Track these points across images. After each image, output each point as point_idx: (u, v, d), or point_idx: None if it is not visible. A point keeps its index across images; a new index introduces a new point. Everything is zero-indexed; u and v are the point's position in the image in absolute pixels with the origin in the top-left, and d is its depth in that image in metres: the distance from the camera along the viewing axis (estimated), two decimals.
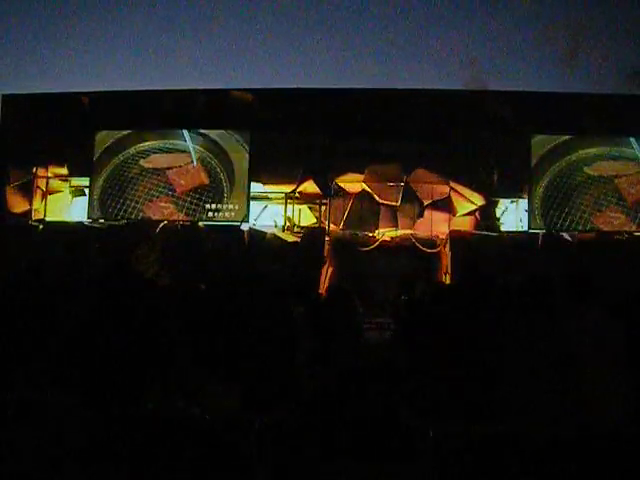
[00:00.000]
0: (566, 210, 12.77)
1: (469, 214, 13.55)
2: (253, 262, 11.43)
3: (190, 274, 10.10)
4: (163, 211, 13.42)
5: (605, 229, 12.58)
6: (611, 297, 3.37)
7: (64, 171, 14.23)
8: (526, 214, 13.07)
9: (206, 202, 13.48)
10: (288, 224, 13.55)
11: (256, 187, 13.62)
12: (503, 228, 13.38)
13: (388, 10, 39.38)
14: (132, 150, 13.84)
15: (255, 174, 13.47)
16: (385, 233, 13.36)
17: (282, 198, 13.65)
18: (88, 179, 13.88)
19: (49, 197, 14.22)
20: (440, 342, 3.24)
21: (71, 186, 14.40)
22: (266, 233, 13.07)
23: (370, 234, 13.40)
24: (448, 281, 11.90)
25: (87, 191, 13.91)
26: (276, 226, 13.51)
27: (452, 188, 13.45)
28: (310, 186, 13.65)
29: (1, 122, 14.20)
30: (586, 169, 12.95)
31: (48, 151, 13.88)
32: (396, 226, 13.45)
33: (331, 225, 13.45)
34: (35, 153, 13.87)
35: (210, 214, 13.39)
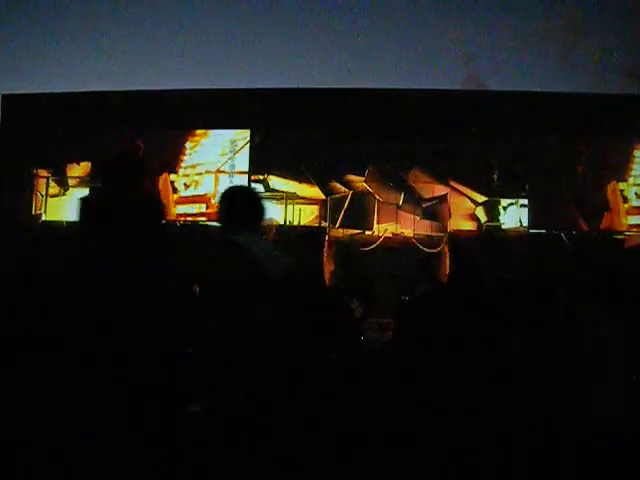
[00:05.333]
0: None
1: (469, 213, 13.57)
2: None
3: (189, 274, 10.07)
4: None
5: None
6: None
7: (64, 171, 14.24)
8: (526, 213, 13.08)
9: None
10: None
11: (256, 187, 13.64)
12: (503, 227, 13.39)
13: (388, 10, 39.38)
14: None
15: (255, 174, 13.50)
16: (385, 231, 13.35)
17: (282, 198, 13.67)
18: (89, 179, 13.89)
19: (49, 197, 14.21)
20: (441, 341, 3.24)
21: (71, 186, 14.39)
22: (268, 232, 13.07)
23: (370, 233, 13.41)
24: (449, 281, 11.90)
25: (87, 191, 13.91)
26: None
27: (452, 187, 13.48)
28: (310, 186, 13.68)
29: (1, 122, 14.20)
30: None
31: (48, 151, 13.87)
32: (396, 225, 13.46)
33: (331, 225, 13.46)
34: (35, 153, 13.87)
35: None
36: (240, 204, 2.61)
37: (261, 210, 2.64)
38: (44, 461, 2.06)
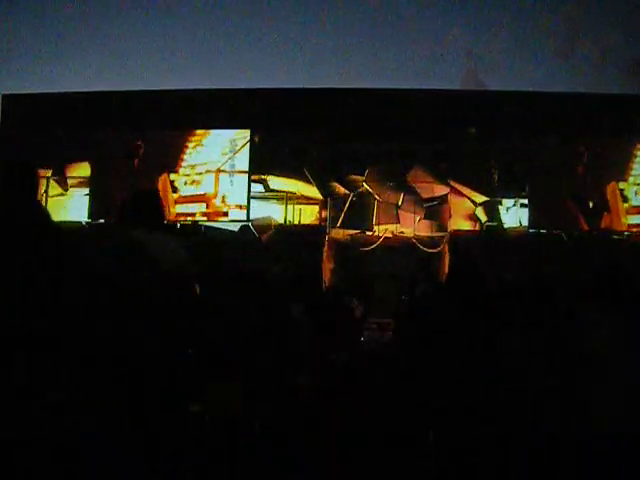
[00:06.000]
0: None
1: (469, 214, 13.57)
2: (253, 261, 11.43)
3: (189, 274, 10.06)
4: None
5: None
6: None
7: (64, 171, 14.24)
8: (526, 213, 13.07)
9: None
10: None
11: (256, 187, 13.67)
12: (503, 227, 13.39)
13: (388, 10, 39.39)
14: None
15: (255, 173, 13.51)
16: (385, 231, 13.34)
17: (282, 198, 13.69)
18: (88, 179, 13.90)
19: (49, 197, 14.20)
20: (440, 341, 3.24)
21: (71, 186, 14.39)
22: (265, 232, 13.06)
23: (370, 233, 13.40)
24: (448, 281, 11.86)
25: (87, 191, 13.92)
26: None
27: (452, 187, 13.47)
28: (310, 186, 13.68)
29: (1, 122, 14.20)
30: None
31: (48, 151, 13.86)
32: (396, 226, 13.46)
33: (331, 225, 13.46)
34: (35, 153, 13.86)
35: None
36: (139, 203, 2.66)
37: (159, 209, 2.69)
38: (44, 461, 2.06)
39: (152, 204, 2.68)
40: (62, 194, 14.35)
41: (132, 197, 2.72)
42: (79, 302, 2.18)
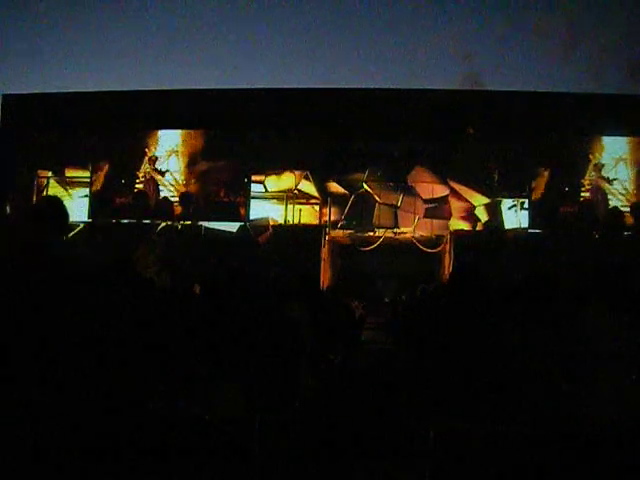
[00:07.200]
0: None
1: (470, 214, 13.55)
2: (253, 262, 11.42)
3: (189, 274, 10.08)
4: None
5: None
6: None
7: (65, 171, 14.25)
8: (526, 213, 13.06)
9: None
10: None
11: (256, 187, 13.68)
12: (504, 227, 13.37)
13: (388, 11, 39.47)
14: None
15: (254, 173, 13.53)
16: (385, 231, 13.34)
17: (282, 198, 13.69)
18: (89, 178, 13.91)
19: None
20: (440, 341, 3.24)
21: (71, 185, 14.40)
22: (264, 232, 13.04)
23: (370, 233, 13.39)
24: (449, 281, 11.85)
25: (88, 190, 13.92)
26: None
27: (452, 188, 13.47)
28: (310, 186, 13.68)
29: (1, 122, 14.20)
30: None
31: (48, 151, 13.87)
32: (396, 226, 13.45)
33: (331, 225, 13.44)
34: (35, 153, 13.87)
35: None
36: (42, 208, 2.73)
37: (63, 213, 2.74)
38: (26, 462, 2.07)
39: (54, 209, 2.73)
40: (62, 194, 14.35)
41: (37, 203, 2.79)
42: None
